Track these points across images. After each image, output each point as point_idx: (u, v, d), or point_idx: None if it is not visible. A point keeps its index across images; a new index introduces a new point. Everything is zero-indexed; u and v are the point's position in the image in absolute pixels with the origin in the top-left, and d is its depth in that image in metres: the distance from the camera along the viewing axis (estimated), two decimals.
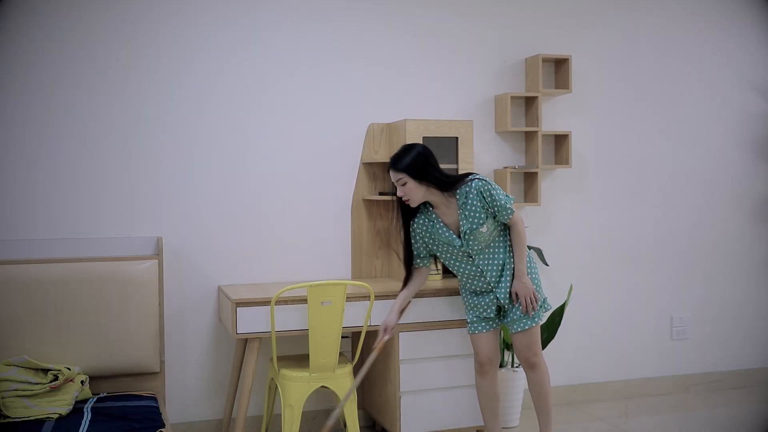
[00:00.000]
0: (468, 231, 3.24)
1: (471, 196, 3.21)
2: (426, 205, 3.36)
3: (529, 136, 4.32)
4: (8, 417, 2.93)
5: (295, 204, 3.97)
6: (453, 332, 3.67)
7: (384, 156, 4.05)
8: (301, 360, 3.60)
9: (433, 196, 3.27)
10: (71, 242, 3.58)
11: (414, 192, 3.23)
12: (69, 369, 3.19)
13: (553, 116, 4.40)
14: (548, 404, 3.40)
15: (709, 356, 4.80)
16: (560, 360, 4.37)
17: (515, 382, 4.00)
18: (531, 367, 3.37)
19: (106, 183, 3.69)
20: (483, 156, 4.21)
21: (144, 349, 3.45)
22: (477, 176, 3.26)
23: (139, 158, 3.73)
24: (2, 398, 2.98)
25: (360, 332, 3.58)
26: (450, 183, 3.24)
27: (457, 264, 3.37)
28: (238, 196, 3.88)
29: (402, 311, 3.44)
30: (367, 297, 3.51)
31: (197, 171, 3.82)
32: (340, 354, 3.66)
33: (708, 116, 4.76)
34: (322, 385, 3.43)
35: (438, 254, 3.41)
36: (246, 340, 3.57)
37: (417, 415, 3.62)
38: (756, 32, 4.85)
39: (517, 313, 3.30)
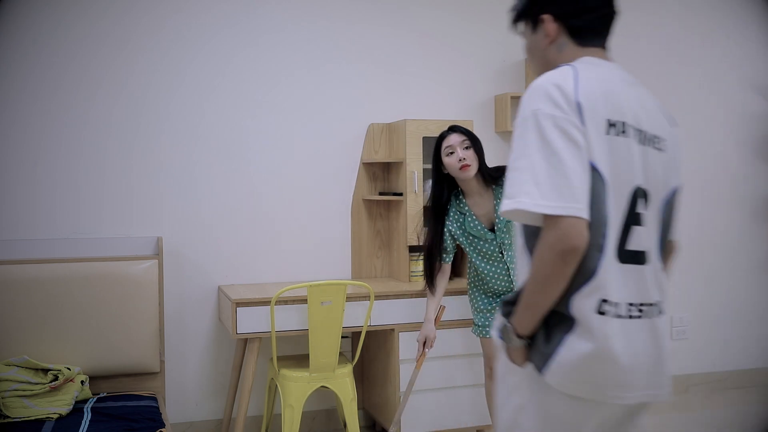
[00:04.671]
0: (504, 221, 3.16)
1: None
2: (457, 196, 3.30)
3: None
4: (8, 417, 2.93)
5: (295, 204, 3.97)
6: (453, 332, 3.67)
7: (384, 156, 4.05)
8: (301, 360, 3.60)
9: (475, 180, 3.20)
10: (71, 242, 3.58)
11: (474, 161, 3.18)
12: (69, 369, 3.19)
13: None
14: None
15: (709, 356, 4.80)
16: None
17: None
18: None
19: (106, 183, 3.69)
20: None
21: (144, 349, 3.45)
22: None
23: (139, 158, 3.73)
24: (2, 398, 2.98)
25: (360, 332, 3.59)
26: (494, 176, 3.18)
27: (485, 260, 3.25)
28: (238, 196, 3.88)
29: (437, 319, 3.38)
30: (367, 297, 3.52)
31: (197, 171, 3.82)
32: (340, 354, 3.66)
33: (708, 116, 4.77)
34: (322, 385, 3.43)
35: (466, 248, 3.29)
36: (246, 340, 3.57)
37: (417, 415, 3.62)
38: (756, 32, 4.85)
39: None
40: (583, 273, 1.53)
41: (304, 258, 3.99)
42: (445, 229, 3.30)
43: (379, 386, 3.81)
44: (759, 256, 4.89)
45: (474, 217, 3.23)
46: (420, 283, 3.87)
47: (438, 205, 3.31)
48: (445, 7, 4.22)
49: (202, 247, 3.82)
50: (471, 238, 3.26)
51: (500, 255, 3.23)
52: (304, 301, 3.40)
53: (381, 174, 4.09)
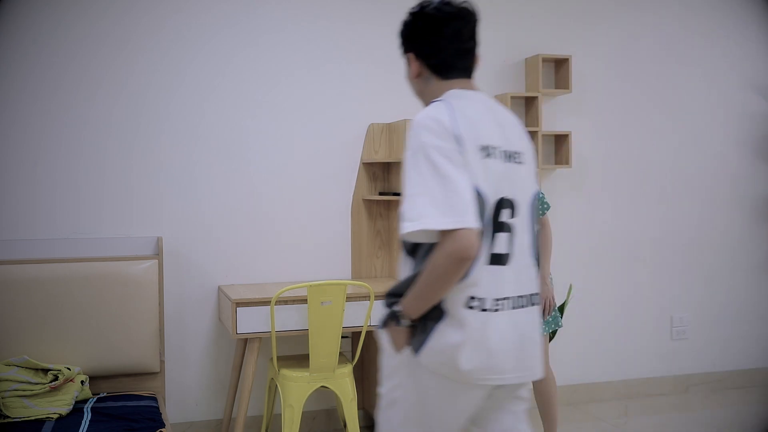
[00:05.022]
0: None
1: None
2: None
3: (529, 136, 4.31)
4: (8, 417, 2.93)
5: (295, 204, 3.97)
6: None
7: (384, 156, 4.05)
8: (301, 360, 3.60)
9: None
10: (71, 242, 3.58)
11: None
12: (69, 369, 3.19)
13: (553, 116, 4.40)
14: (552, 413, 3.35)
15: (709, 356, 4.80)
16: (560, 360, 4.37)
17: None
18: None
19: (106, 183, 3.69)
20: None
21: (144, 349, 3.45)
22: None
23: (139, 158, 3.73)
24: (2, 398, 2.98)
25: (360, 332, 3.58)
26: None
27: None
28: (238, 196, 3.88)
29: None
30: (367, 297, 3.52)
31: (197, 171, 3.82)
32: (340, 354, 3.66)
33: (708, 116, 4.77)
34: (322, 385, 3.43)
35: None
36: (246, 340, 3.57)
37: None
38: (756, 32, 4.85)
39: None
40: None
41: (304, 258, 3.99)
42: None
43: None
44: (759, 256, 4.89)
45: None
46: None
47: None
48: None
49: (202, 247, 3.82)
50: None
51: None
52: (304, 301, 3.40)
53: (381, 174, 4.10)
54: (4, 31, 3.53)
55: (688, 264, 4.74)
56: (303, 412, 3.80)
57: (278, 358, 3.65)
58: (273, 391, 3.72)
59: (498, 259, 1.85)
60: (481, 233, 1.79)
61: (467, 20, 1.98)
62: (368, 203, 4.07)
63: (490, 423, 1.98)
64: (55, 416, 2.95)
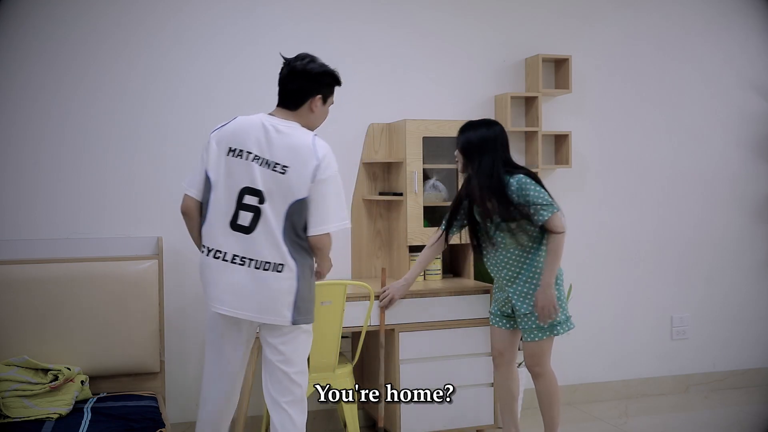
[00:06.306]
0: (497, 223, 3.19)
1: (510, 190, 3.15)
2: None
3: (529, 136, 4.32)
4: (8, 417, 2.93)
5: None
6: (453, 332, 3.67)
7: (384, 156, 4.05)
8: None
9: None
10: (72, 242, 3.58)
11: (460, 165, 3.30)
12: (69, 369, 3.19)
13: (553, 116, 4.40)
14: (552, 415, 3.35)
15: (709, 356, 4.80)
16: (560, 360, 4.36)
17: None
18: (535, 376, 3.34)
19: (106, 183, 3.69)
20: None
21: (144, 349, 3.45)
22: (521, 172, 3.20)
23: (140, 158, 3.73)
24: (2, 398, 2.98)
25: (360, 332, 3.58)
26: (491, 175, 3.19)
27: (484, 247, 3.32)
28: None
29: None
30: (367, 297, 3.52)
31: None
32: (340, 354, 3.66)
33: (708, 116, 4.77)
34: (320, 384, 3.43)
35: (478, 230, 3.34)
36: None
37: (417, 415, 3.62)
38: (756, 32, 4.85)
39: (529, 322, 3.24)
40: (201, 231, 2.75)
41: None
42: (464, 199, 3.34)
43: (380, 386, 3.81)
44: (759, 256, 4.89)
45: None
46: (419, 282, 3.87)
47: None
48: (445, 7, 4.22)
49: None
50: (479, 220, 3.30)
51: (492, 248, 3.27)
52: None
53: (381, 174, 4.09)
54: (4, 31, 3.53)
55: (688, 264, 4.75)
56: None
57: None
58: None
59: (240, 228, 2.64)
60: (196, 200, 2.72)
61: (295, 75, 2.80)
62: (368, 203, 4.07)
63: (264, 355, 2.77)
64: (55, 416, 2.95)
